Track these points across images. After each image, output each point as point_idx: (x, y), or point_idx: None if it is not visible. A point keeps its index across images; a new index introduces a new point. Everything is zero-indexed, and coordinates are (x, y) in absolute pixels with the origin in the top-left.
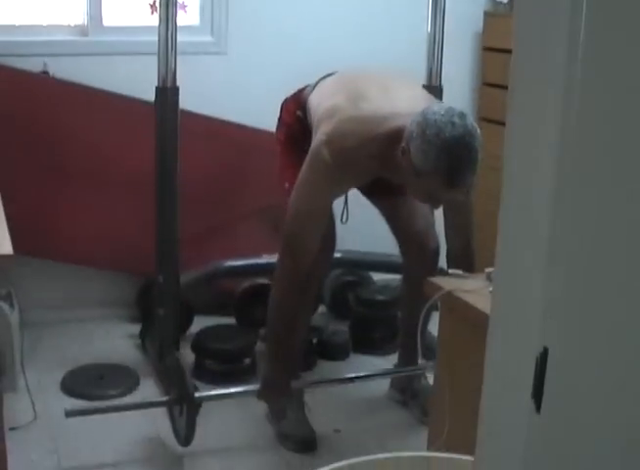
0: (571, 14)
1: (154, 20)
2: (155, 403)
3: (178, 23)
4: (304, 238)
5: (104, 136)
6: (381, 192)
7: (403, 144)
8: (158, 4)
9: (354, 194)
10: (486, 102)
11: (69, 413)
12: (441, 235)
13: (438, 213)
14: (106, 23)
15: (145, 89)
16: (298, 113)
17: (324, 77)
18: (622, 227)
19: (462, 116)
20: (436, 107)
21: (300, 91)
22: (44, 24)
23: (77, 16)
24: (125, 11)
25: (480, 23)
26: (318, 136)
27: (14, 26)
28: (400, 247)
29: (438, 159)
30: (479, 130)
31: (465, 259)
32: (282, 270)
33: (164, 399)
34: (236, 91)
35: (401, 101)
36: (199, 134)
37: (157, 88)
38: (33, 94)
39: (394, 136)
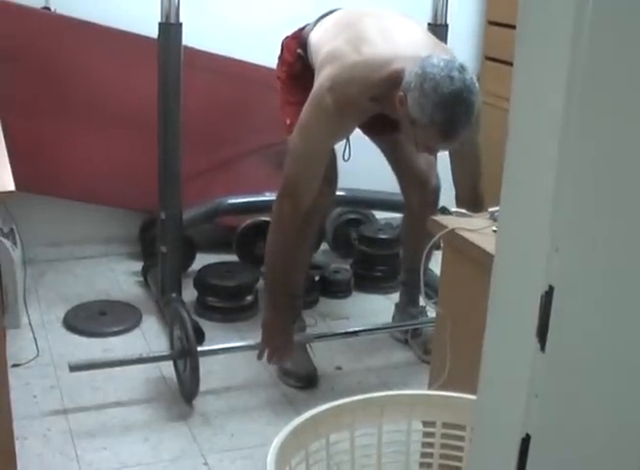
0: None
1: None
2: (158, 358)
3: None
4: (304, 181)
5: (106, 72)
6: (382, 130)
7: (401, 93)
8: None
9: (356, 132)
10: (491, 41)
11: (74, 368)
12: (445, 179)
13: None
14: None
15: (148, 25)
16: (299, 51)
17: (325, 15)
18: (633, 158)
19: (461, 69)
20: (436, 59)
21: (301, 30)
22: None
23: None
24: None
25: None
26: (320, 80)
27: None
28: (401, 185)
29: (434, 113)
30: (477, 84)
31: (473, 204)
32: (280, 213)
33: (167, 353)
34: (238, 28)
35: (402, 43)
36: (202, 70)
37: (160, 24)
38: (35, 30)
39: (395, 80)
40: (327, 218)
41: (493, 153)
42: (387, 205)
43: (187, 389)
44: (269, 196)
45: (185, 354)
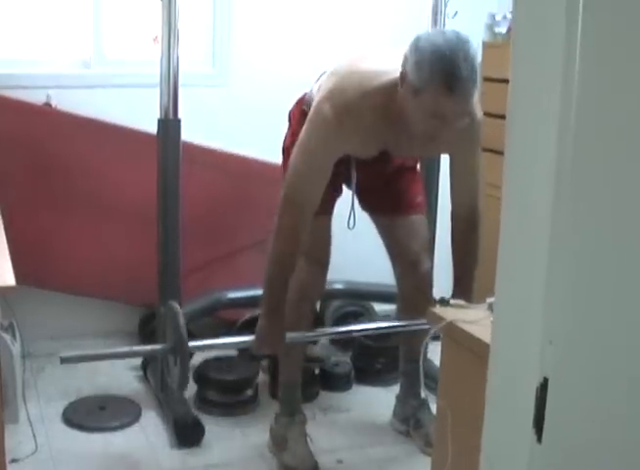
0: (566, 48)
1: (157, 52)
2: (150, 352)
3: (180, 56)
4: (304, 193)
5: (106, 167)
6: (383, 204)
7: (401, 70)
8: (160, 37)
9: (359, 222)
10: (486, 131)
11: (65, 360)
12: (443, 264)
13: (442, 241)
14: (109, 55)
15: (147, 121)
16: (304, 107)
17: (325, 71)
18: (620, 262)
19: (454, 31)
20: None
21: (304, 95)
22: (47, 57)
23: (81, 48)
24: (128, 44)
25: (480, 54)
26: (320, 94)
27: (17, 59)
28: (394, 269)
29: (433, 66)
30: (473, 43)
31: (471, 223)
32: (280, 226)
33: (159, 347)
34: (237, 123)
35: (399, 60)
36: (200, 165)
37: (159, 120)
38: (37, 126)
39: (395, 85)
40: (325, 308)
41: (488, 243)
42: (386, 297)
43: (177, 383)
44: None
45: (176, 349)
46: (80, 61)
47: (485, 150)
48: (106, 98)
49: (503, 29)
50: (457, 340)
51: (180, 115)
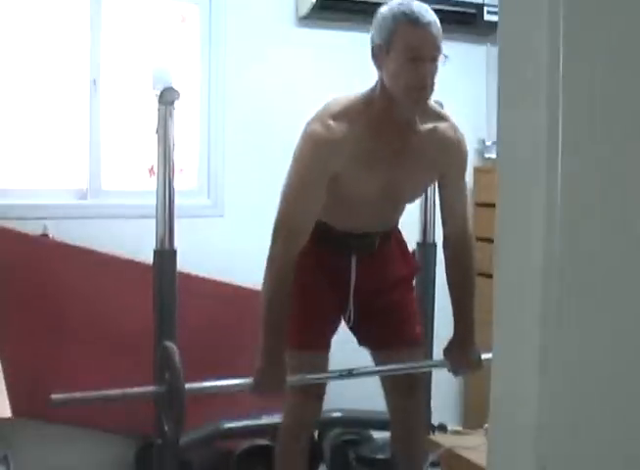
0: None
1: (152, 183)
2: (146, 393)
3: (176, 187)
4: (296, 219)
5: (103, 297)
6: (380, 338)
7: (371, 46)
8: (156, 168)
9: (354, 353)
10: (481, 257)
11: (55, 403)
12: (440, 395)
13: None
14: (105, 186)
15: (144, 251)
16: None
17: None
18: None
19: None
20: None
21: None
22: (44, 188)
23: (77, 179)
24: (124, 175)
25: (471, 179)
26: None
27: (14, 190)
28: (385, 392)
29: (394, 13)
30: None
31: (462, 245)
32: (272, 255)
33: (154, 389)
34: (233, 252)
35: None
36: (197, 295)
37: (155, 251)
38: (34, 256)
39: (373, 92)
40: (324, 439)
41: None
42: (384, 424)
43: (171, 428)
44: (266, 419)
45: (171, 391)
46: (77, 192)
47: (482, 275)
48: (102, 228)
49: (493, 155)
50: (456, 466)
51: (176, 245)
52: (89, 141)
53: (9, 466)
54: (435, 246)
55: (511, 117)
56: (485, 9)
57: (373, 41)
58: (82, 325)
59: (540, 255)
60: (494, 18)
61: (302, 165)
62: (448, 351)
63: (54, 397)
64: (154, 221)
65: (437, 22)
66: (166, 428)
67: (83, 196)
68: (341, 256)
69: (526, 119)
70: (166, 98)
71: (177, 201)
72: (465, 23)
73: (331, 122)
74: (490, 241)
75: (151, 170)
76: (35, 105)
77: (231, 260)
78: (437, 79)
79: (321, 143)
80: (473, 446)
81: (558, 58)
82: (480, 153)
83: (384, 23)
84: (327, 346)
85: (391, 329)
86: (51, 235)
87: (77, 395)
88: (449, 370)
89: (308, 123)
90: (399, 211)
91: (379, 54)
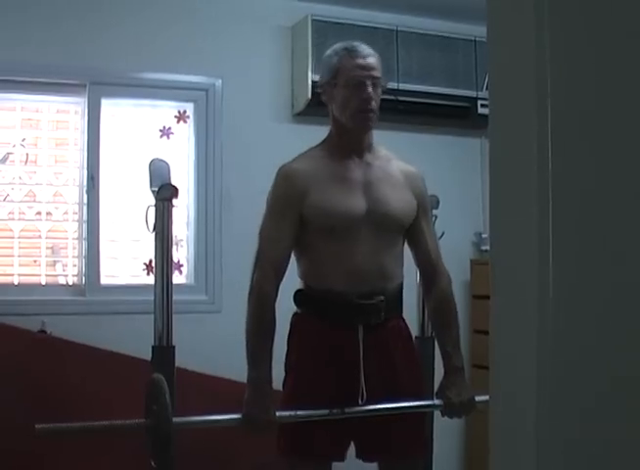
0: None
1: (149, 279)
2: (132, 426)
3: (173, 283)
4: (271, 250)
5: (101, 393)
6: (386, 448)
7: (320, 91)
8: (154, 264)
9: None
10: (477, 349)
11: (41, 432)
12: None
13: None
14: (103, 281)
15: (141, 347)
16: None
17: None
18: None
19: None
20: None
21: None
22: (42, 283)
23: (75, 276)
24: (122, 271)
25: (468, 272)
26: None
27: (12, 286)
28: None
29: (336, 49)
30: None
31: (433, 278)
32: (251, 288)
33: (142, 422)
34: (231, 348)
35: None
36: (195, 391)
37: (153, 347)
38: (32, 352)
39: (327, 139)
40: None
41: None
42: None
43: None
44: None
45: (159, 426)
46: (74, 287)
47: (478, 367)
48: (100, 324)
49: None
50: None
51: (174, 341)
52: (86, 237)
53: None
54: (433, 339)
55: (501, 214)
56: (479, 102)
57: (320, 83)
58: (81, 419)
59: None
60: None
61: (271, 198)
62: (440, 392)
63: (38, 427)
64: (151, 317)
65: (376, 55)
66: (153, 464)
67: (81, 292)
68: (346, 329)
69: (517, 217)
70: (164, 194)
71: (175, 296)
72: (459, 116)
73: (294, 161)
74: (487, 333)
75: (148, 266)
76: (33, 200)
77: (228, 356)
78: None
79: (284, 174)
80: None
81: (547, 156)
82: (477, 245)
83: (328, 61)
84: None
85: (399, 434)
86: (49, 331)
87: (63, 425)
88: (443, 414)
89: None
90: (393, 248)
91: (327, 90)
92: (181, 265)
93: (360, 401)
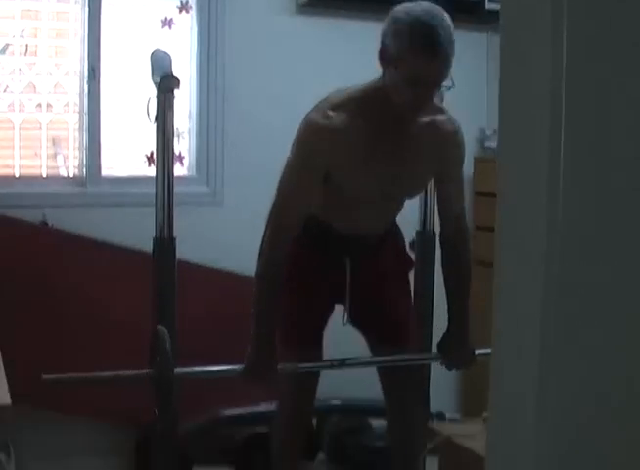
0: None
1: (151, 171)
2: (137, 376)
3: (175, 175)
4: (289, 206)
5: (102, 286)
6: (377, 334)
7: (380, 46)
8: (155, 156)
9: (352, 340)
10: (480, 246)
11: (48, 381)
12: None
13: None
14: (104, 173)
15: (143, 239)
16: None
17: None
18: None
19: (428, 2)
20: None
21: None
22: (43, 176)
23: (76, 167)
24: (123, 162)
25: (471, 168)
26: None
27: (13, 178)
28: (382, 387)
29: (413, 33)
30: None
31: (458, 240)
32: (263, 247)
33: (145, 372)
34: (232, 241)
35: None
36: (196, 283)
37: (154, 239)
38: (33, 245)
39: (373, 88)
40: (323, 427)
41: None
42: (382, 412)
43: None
44: (265, 407)
45: (161, 375)
46: (75, 179)
47: (481, 264)
48: (101, 217)
49: (493, 144)
50: (455, 454)
51: (175, 233)
52: (87, 129)
53: (9, 453)
54: (435, 235)
55: (513, 107)
56: None
57: (383, 41)
58: (80, 312)
59: (544, 245)
60: (496, 6)
61: (300, 156)
62: (441, 345)
63: (45, 376)
64: (152, 209)
65: (452, 42)
66: (156, 412)
67: (82, 183)
68: (336, 258)
69: (528, 110)
70: (165, 86)
71: (176, 189)
72: (466, 11)
73: (330, 112)
74: (490, 230)
75: (149, 158)
76: (35, 92)
77: (229, 248)
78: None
79: (319, 132)
80: (471, 434)
81: (561, 49)
82: (481, 142)
83: (400, 35)
84: (319, 341)
85: (386, 330)
86: (50, 223)
87: (68, 375)
88: (442, 364)
89: (308, 114)
90: (399, 208)
91: (385, 57)
92: (182, 157)
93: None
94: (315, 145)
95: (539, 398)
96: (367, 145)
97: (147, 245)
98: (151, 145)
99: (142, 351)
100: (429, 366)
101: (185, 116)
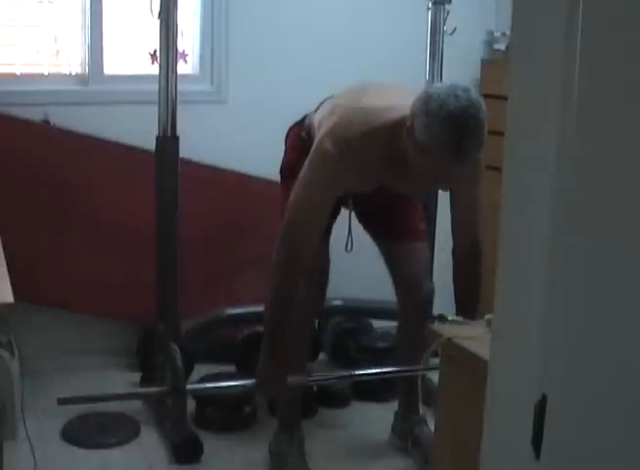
0: (566, 59)
1: (154, 69)
2: (148, 394)
3: (178, 73)
4: (302, 230)
5: (105, 185)
6: (384, 229)
7: (407, 123)
8: (158, 53)
9: (358, 238)
10: (486, 148)
11: (62, 401)
12: (442, 284)
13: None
14: (107, 71)
15: (145, 138)
16: (303, 134)
17: (326, 99)
18: (623, 271)
19: (466, 89)
20: (439, 83)
21: (303, 118)
22: (45, 74)
23: (78, 65)
24: (126, 60)
25: (478, 71)
26: (320, 133)
27: (15, 76)
28: (395, 289)
29: (442, 130)
30: (483, 104)
31: (471, 254)
32: (276, 262)
33: (157, 389)
34: (235, 140)
35: (403, 96)
36: (199, 182)
37: (157, 137)
38: (35, 143)
39: (398, 125)
40: (324, 325)
41: (488, 260)
42: (385, 313)
43: (171, 427)
44: None
45: (174, 391)
46: (78, 77)
47: (488, 167)
48: (104, 115)
49: (502, 46)
50: (455, 356)
51: (178, 131)
52: (90, 26)
53: (13, 350)
54: None
55: (526, 6)
56: None
57: (412, 119)
58: (83, 211)
59: (553, 153)
60: None
61: (314, 183)
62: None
63: (59, 398)
64: (156, 107)
65: (481, 146)
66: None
67: (85, 81)
68: None
69: (543, 10)
70: None
71: (179, 87)
72: None
73: (346, 151)
74: (497, 134)
75: (153, 56)
76: None
77: (233, 147)
78: None
79: (334, 170)
80: (473, 336)
81: None
82: (489, 44)
83: (429, 130)
84: (328, 231)
85: (394, 223)
86: (52, 122)
87: (81, 397)
88: None
89: (325, 138)
90: None
91: (412, 139)
92: (186, 55)
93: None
94: (331, 179)
95: (546, 295)
96: (383, 174)
97: (150, 144)
98: (154, 43)
99: (144, 249)
100: (432, 267)
101: (189, 13)
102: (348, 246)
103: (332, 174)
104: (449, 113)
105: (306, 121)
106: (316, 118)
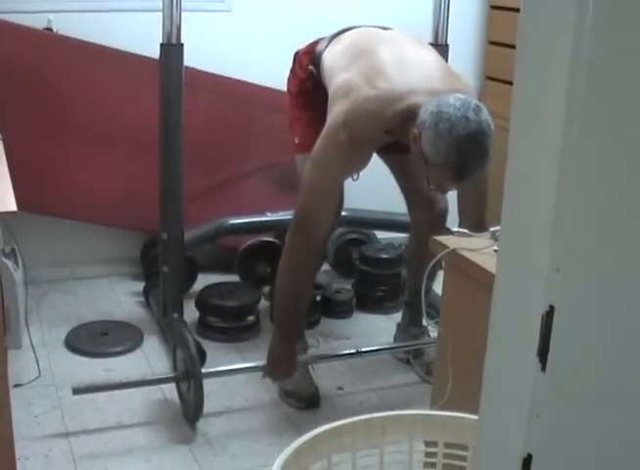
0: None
1: None
2: (161, 380)
3: None
4: (317, 218)
5: (108, 93)
6: (393, 149)
7: (416, 130)
8: None
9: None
10: (492, 61)
11: (77, 390)
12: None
13: None
14: None
15: (149, 46)
16: (311, 67)
17: (339, 33)
18: (635, 186)
19: (477, 110)
20: (452, 98)
21: (314, 44)
22: None
23: None
24: None
25: (486, 19)
26: (334, 116)
27: None
28: (408, 204)
29: (448, 154)
30: (492, 126)
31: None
32: (292, 250)
33: (171, 375)
34: (240, 48)
35: (418, 76)
36: (203, 91)
37: (161, 45)
38: (38, 51)
39: (410, 113)
40: (330, 237)
41: (494, 171)
42: (388, 225)
43: (190, 411)
44: (270, 216)
45: (189, 377)
46: None
47: (492, 79)
48: (108, 23)
49: None
50: (459, 268)
51: (183, 39)
52: None
53: (17, 259)
54: (448, 46)
55: None
56: None
57: (420, 129)
58: (86, 120)
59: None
60: None
61: (325, 170)
62: None
63: (74, 387)
64: (160, 15)
65: (484, 168)
66: (186, 411)
67: None
68: None
69: None
70: None
71: None
72: None
73: (359, 143)
74: (506, 46)
75: None
76: None
77: (238, 55)
78: None
79: (347, 159)
80: (478, 247)
81: None
82: None
83: (436, 148)
84: None
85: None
86: (55, 29)
87: (96, 385)
88: None
89: (339, 126)
90: None
91: (418, 148)
92: None
93: None
94: (344, 166)
95: (556, 201)
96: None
97: (154, 52)
98: None
99: (148, 158)
100: None
101: None
102: (355, 176)
103: (345, 163)
104: (458, 138)
105: (315, 53)
106: (326, 59)
